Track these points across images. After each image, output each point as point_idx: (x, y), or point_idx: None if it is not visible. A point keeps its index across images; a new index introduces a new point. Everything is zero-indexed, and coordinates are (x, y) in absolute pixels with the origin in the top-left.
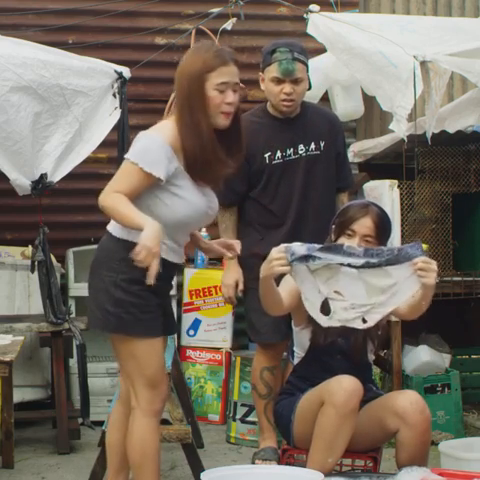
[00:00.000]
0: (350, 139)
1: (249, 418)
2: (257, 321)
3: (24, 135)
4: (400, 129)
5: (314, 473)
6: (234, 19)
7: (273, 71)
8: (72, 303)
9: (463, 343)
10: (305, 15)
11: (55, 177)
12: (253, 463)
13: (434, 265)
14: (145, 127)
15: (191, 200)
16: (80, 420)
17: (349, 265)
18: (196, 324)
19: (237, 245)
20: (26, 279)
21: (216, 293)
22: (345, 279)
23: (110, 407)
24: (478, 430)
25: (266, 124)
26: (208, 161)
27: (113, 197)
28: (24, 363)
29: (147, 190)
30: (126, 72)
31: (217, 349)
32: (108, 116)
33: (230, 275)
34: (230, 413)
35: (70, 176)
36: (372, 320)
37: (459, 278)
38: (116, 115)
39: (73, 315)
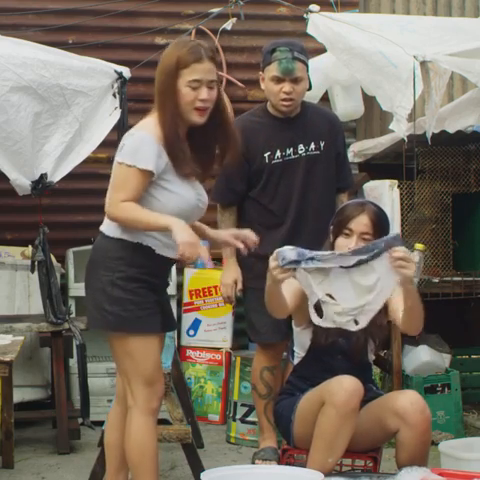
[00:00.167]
0: (350, 139)
1: (249, 418)
2: (257, 321)
3: (24, 135)
4: (400, 129)
5: (314, 473)
6: (234, 19)
7: (273, 70)
8: (72, 303)
9: (463, 343)
10: (305, 15)
11: (55, 177)
12: (253, 463)
13: (412, 256)
14: None
15: (181, 193)
16: (80, 420)
17: (341, 267)
18: (196, 324)
19: (251, 236)
20: (26, 279)
21: (216, 293)
22: (336, 282)
23: (110, 407)
24: (478, 430)
25: (266, 124)
26: (176, 157)
27: (124, 207)
28: (24, 363)
29: None
30: (126, 72)
31: (217, 349)
32: (108, 116)
33: (229, 274)
34: (230, 413)
35: (70, 176)
36: (363, 321)
37: (459, 278)
38: (116, 115)
39: (73, 315)
